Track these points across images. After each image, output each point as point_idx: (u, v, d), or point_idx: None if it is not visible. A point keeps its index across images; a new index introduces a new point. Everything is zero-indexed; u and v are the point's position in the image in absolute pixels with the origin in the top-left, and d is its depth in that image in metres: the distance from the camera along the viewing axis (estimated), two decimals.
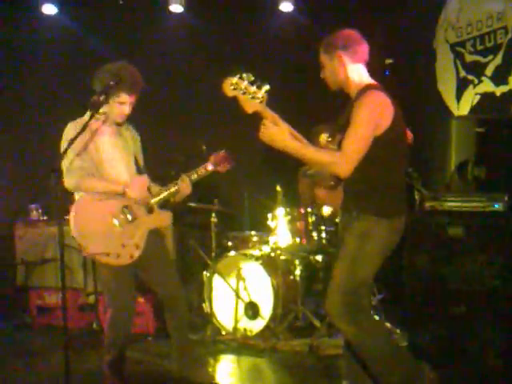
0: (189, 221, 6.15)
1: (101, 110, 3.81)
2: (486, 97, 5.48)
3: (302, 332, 5.12)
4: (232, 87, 3.13)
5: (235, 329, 5.12)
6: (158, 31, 6.83)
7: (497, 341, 4.00)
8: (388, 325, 4.64)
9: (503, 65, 5.29)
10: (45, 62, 6.89)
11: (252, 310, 5.09)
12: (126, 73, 3.80)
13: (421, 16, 5.96)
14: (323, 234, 5.29)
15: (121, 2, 6.88)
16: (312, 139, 3.39)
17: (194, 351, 4.30)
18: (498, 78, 5.34)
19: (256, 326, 5.07)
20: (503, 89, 5.28)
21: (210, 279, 5.31)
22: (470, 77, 5.64)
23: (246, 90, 3.12)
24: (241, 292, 5.15)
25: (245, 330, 5.09)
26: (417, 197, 4.30)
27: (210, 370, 4.63)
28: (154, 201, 3.90)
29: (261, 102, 3.13)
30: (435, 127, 5.05)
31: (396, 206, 3.22)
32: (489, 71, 5.43)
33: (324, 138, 5.82)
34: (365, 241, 3.13)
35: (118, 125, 3.97)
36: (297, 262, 5.34)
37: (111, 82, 3.64)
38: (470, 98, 5.60)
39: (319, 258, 5.50)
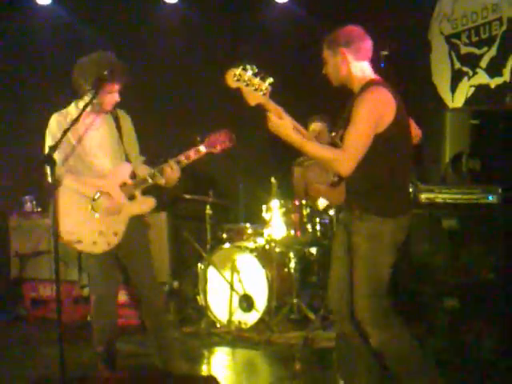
0: (183, 213, 6.14)
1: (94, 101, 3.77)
2: (481, 89, 5.47)
3: (296, 325, 5.13)
4: (235, 78, 3.11)
5: (230, 321, 5.13)
6: (152, 22, 6.80)
7: (491, 334, 4.01)
8: None
9: (498, 56, 5.28)
10: (39, 53, 6.86)
11: (246, 303, 5.09)
12: (113, 61, 3.81)
13: (416, 8, 5.94)
14: (318, 227, 5.29)
15: None
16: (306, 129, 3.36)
17: (175, 345, 4.26)
18: (493, 70, 5.33)
19: (250, 318, 5.07)
20: (498, 81, 5.27)
21: (204, 271, 5.31)
22: (465, 69, 5.63)
23: (249, 82, 3.10)
24: (235, 284, 5.15)
25: (239, 322, 5.10)
26: (411, 189, 4.29)
27: (205, 362, 4.64)
28: (135, 189, 3.87)
29: (264, 94, 3.11)
30: (430, 119, 5.04)
31: (401, 204, 3.18)
32: (483, 63, 5.42)
33: (314, 127, 5.86)
34: (374, 241, 3.08)
35: (107, 112, 3.97)
36: (291, 254, 5.35)
37: (105, 72, 3.65)
38: (465, 89, 5.59)
39: (314, 250, 5.50)
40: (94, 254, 3.84)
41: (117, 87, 3.88)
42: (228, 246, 5.34)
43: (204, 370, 4.51)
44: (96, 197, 3.84)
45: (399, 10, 5.86)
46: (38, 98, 6.63)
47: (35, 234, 5.89)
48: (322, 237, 5.28)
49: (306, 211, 5.27)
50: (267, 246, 5.40)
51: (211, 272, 5.27)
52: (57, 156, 3.65)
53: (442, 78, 5.83)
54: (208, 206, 5.54)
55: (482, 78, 5.46)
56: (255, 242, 5.45)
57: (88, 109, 3.79)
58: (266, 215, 5.36)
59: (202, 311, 5.31)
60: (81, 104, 3.87)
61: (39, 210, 6.11)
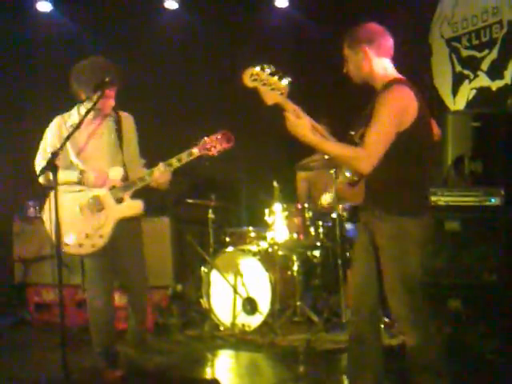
0: (186, 217, 6.15)
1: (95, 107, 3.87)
2: (482, 91, 5.49)
3: (299, 327, 5.13)
4: (252, 78, 3.10)
5: (233, 324, 5.13)
6: (152, 28, 6.81)
7: (494, 335, 4.02)
8: (386, 319, 4.64)
9: (499, 59, 5.31)
10: (40, 59, 6.89)
11: (250, 306, 5.10)
12: (109, 66, 3.89)
13: (416, 11, 5.97)
14: (321, 230, 5.31)
15: None
16: None
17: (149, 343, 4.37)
18: (494, 73, 5.35)
19: (254, 321, 5.08)
20: (499, 83, 5.30)
21: (207, 275, 5.32)
22: (466, 72, 5.65)
23: (266, 82, 3.08)
24: (239, 288, 5.15)
25: (243, 325, 5.10)
26: None
27: (208, 365, 4.65)
28: (123, 192, 3.94)
29: (282, 93, 3.09)
30: None
31: (421, 204, 3.15)
32: (484, 66, 5.45)
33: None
34: (400, 241, 3.05)
35: (106, 116, 4.05)
36: (294, 257, 5.36)
37: (107, 79, 3.75)
38: (466, 92, 5.61)
39: (317, 253, 5.51)
40: (81, 255, 3.95)
41: (112, 92, 3.96)
42: (231, 250, 5.35)
43: (208, 373, 4.52)
44: (84, 198, 3.93)
45: (399, 14, 5.89)
46: (39, 104, 6.66)
47: (38, 238, 5.88)
48: (325, 239, 5.30)
49: (308, 214, 5.29)
50: (270, 250, 5.41)
51: (214, 275, 5.28)
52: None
53: (443, 81, 5.85)
54: (210, 210, 5.55)
55: (483, 80, 5.49)
56: (258, 246, 5.45)
57: (90, 117, 3.92)
58: (268, 218, 5.38)
59: (206, 314, 5.31)
60: (82, 109, 3.92)
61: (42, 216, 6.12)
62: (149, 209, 5.54)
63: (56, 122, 4.04)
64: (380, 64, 3.20)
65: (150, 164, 4.12)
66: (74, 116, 4.03)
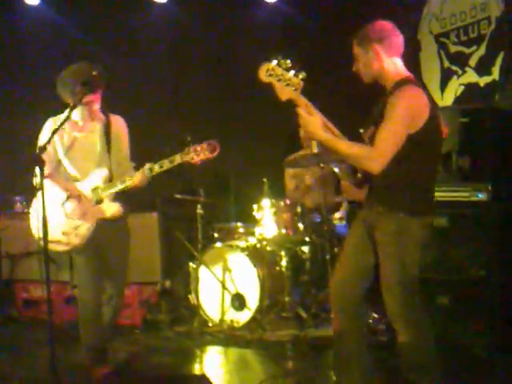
0: (175, 212, 6.14)
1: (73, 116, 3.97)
2: (470, 87, 5.50)
3: (288, 323, 5.14)
4: (268, 73, 3.07)
5: (222, 320, 5.14)
6: (141, 22, 6.77)
7: (482, 331, 4.04)
8: (375, 315, 4.66)
9: (487, 55, 5.32)
10: (27, 53, 6.84)
11: (238, 302, 5.10)
12: (89, 73, 3.88)
13: (405, 7, 5.96)
14: (309, 225, 5.31)
15: None
16: None
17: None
18: (482, 69, 5.36)
19: (243, 317, 5.08)
20: (487, 79, 5.31)
21: (196, 271, 5.32)
22: (454, 67, 5.66)
23: (281, 77, 3.06)
24: (227, 283, 5.16)
25: (231, 321, 5.11)
26: None
27: (197, 361, 4.65)
28: (103, 194, 3.99)
29: (296, 89, 3.07)
30: None
31: (427, 204, 3.15)
32: (472, 62, 5.46)
33: None
34: (401, 240, 3.05)
35: (94, 118, 4.10)
36: (283, 253, 5.36)
37: (94, 72, 3.82)
38: (454, 88, 5.62)
39: (305, 249, 5.51)
40: (57, 252, 3.99)
41: (96, 96, 4.01)
42: (219, 245, 5.35)
43: (196, 369, 4.52)
44: (66, 197, 3.97)
45: (388, 10, 5.88)
46: (26, 100, 6.62)
47: (26, 234, 5.83)
48: (314, 235, 5.30)
49: (297, 210, 5.29)
50: (259, 245, 5.42)
51: (203, 271, 5.28)
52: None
53: (431, 77, 5.85)
54: (199, 206, 5.54)
55: (471, 76, 5.50)
56: (247, 241, 5.45)
57: (77, 118, 4.02)
58: (257, 214, 5.39)
59: (194, 310, 5.31)
60: (74, 111, 3.96)
61: (30, 210, 6.09)
62: (137, 205, 5.57)
63: (48, 122, 4.10)
64: (391, 63, 3.17)
65: (139, 166, 4.12)
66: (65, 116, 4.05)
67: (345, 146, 3.08)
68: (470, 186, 4.24)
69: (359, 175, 3.28)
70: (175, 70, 6.79)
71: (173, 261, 5.98)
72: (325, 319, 5.02)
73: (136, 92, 6.51)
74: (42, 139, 4.03)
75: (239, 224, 5.75)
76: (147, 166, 3.94)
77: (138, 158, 4.25)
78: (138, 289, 5.42)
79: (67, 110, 4.01)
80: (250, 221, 5.56)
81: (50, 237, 3.76)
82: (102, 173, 4.04)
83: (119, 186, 3.98)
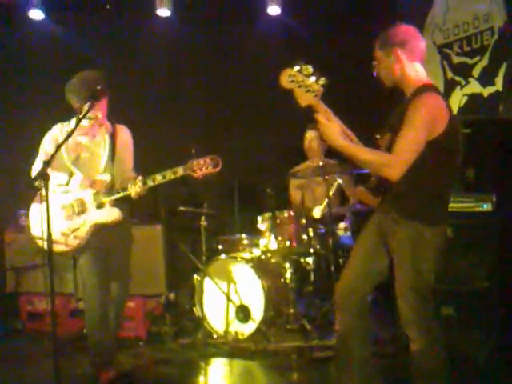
0: (179, 225, 6.14)
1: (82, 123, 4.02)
2: (474, 98, 5.50)
3: (293, 335, 5.10)
4: (290, 79, 3.08)
5: (226, 332, 5.12)
6: (144, 35, 6.81)
7: (487, 342, 4.02)
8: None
9: (490, 66, 5.33)
10: (32, 67, 6.88)
11: (243, 313, 5.08)
12: (90, 82, 4.01)
13: (408, 18, 5.98)
14: (313, 237, 5.30)
15: (107, 7, 6.87)
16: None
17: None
18: (485, 79, 5.37)
19: (247, 329, 5.06)
20: (490, 90, 5.31)
21: (200, 283, 5.31)
22: (457, 78, 5.67)
23: (302, 83, 3.06)
24: (232, 295, 5.14)
25: (236, 333, 5.09)
26: None
27: (202, 373, 4.64)
28: (105, 199, 4.05)
29: (316, 95, 3.07)
30: None
31: (442, 213, 3.14)
32: (476, 72, 5.47)
33: (307, 135, 5.90)
34: (416, 246, 3.04)
35: (99, 126, 4.21)
36: (287, 264, 5.35)
37: (98, 87, 3.89)
38: (458, 99, 5.63)
39: (310, 260, 5.49)
40: (56, 253, 3.95)
41: (101, 105, 4.11)
42: (224, 257, 5.34)
43: (201, 381, 4.51)
44: (68, 200, 4.04)
45: (391, 21, 5.90)
46: (32, 111, 6.65)
47: (30, 247, 5.86)
48: (318, 247, 5.29)
49: (301, 222, 5.29)
50: (263, 257, 5.41)
51: (207, 283, 5.27)
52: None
53: None
54: (203, 218, 5.54)
55: (474, 87, 5.50)
56: (251, 253, 5.44)
57: (85, 123, 4.10)
58: (261, 226, 5.38)
59: (199, 322, 5.29)
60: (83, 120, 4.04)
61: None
62: (141, 217, 5.58)
63: (55, 129, 4.21)
64: (412, 68, 3.16)
65: (140, 175, 4.15)
66: (71, 125, 4.16)
67: (363, 152, 3.07)
68: (474, 196, 4.23)
69: (373, 179, 3.27)
70: (178, 82, 6.81)
71: (177, 273, 5.98)
72: (329, 331, 5.00)
73: (138, 102, 6.54)
74: (47, 147, 4.14)
75: (243, 236, 5.74)
76: (150, 176, 3.98)
77: (140, 166, 4.28)
78: (142, 301, 5.41)
79: (73, 121, 4.09)
80: (255, 232, 5.55)
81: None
82: (105, 178, 4.11)
83: (121, 193, 4.03)
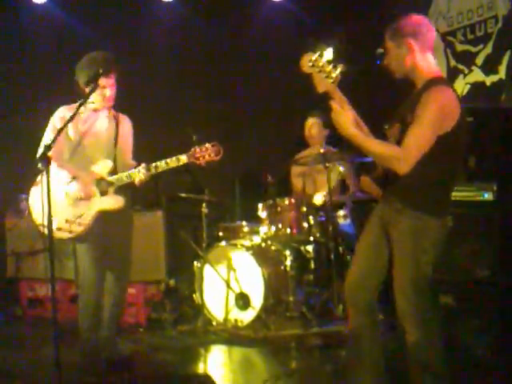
0: (180, 211, 6.14)
1: (89, 100, 4.05)
2: (477, 86, 5.48)
3: (292, 322, 5.11)
4: (310, 64, 3.03)
5: (226, 319, 5.13)
6: (147, 20, 6.78)
7: (486, 331, 4.02)
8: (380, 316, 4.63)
9: (493, 54, 5.30)
10: (34, 51, 6.85)
11: (243, 301, 5.08)
12: (98, 59, 4.05)
13: (411, 6, 5.94)
14: (314, 224, 5.29)
15: None
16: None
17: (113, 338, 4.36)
18: (488, 68, 5.34)
19: (247, 316, 5.07)
20: (493, 78, 5.28)
21: (200, 270, 5.31)
22: (461, 66, 5.64)
23: (322, 68, 3.02)
24: (231, 282, 5.15)
25: (236, 320, 5.09)
26: None
27: (201, 360, 4.65)
28: (108, 186, 4.07)
29: (333, 82, 3.03)
30: None
31: (446, 205, 3.12)
32: (479, 61, 5.43)
33: (307, 121, 5.89)
34: (419, 238, 3.02)
35: (107, 110, 4.23)
36: (287, 252, 5.34)
37: (100, 70, 3.91)
38: (460, 87, 5.60)
39: (310, 248, 5.49)
40: (59, 239, 4.01)
41: (109, 81, 4.11)
42: (224, 244, 5.34)
43: (200, 368, 4.52)
44: (70, 183, 4.04)
45: (394, 8, 5.87)
46: (33, 98, 6.62)
47: (31, 232, 5.87)
48: (319, 235, 5.29)
49: (302, 209, 5.28)
50: (263, 244, 5.40)
51: (207, 270, 5.27)
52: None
53: None
54: (204, 205, 5.53)
55: (477, 75, 5.47)
56: (251, 240, 5.44)
57: (91, 106, 4.14)
58: (262, 213, 5.37)
59: (199, 309, 5.30)
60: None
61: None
62: (143, 203, 5.58)
63: (61, 111, 4.19)
64: (424, 59, 3.11)
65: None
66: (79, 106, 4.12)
67: (373, 144, 3.05)
68: (476, 185, 4.22)
69: (378, 169, 3.25)
70: (180, 68, 6.79)
71: (177, 259, 5.98)
72: (329, 319, 5.01)
73: (140, 91, 6.51)
74: (52, 128, 4.11)
75: (244, 223, 5.73)
76: (153, 163, 4.00)
77: (141, 154, 4.28)
78: (142, 287, 5.42)
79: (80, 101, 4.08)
80: (255, 220, 5.54)
81: (53, 224, 3.83)
82: (108, 164, 4.11)
83: (124, 180, 4.04)
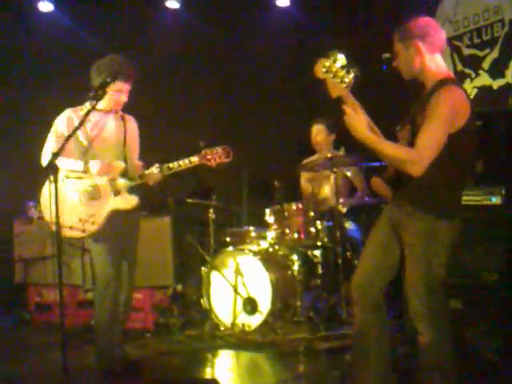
0: (187, 217, 6.15)
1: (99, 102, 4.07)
2: (484, 90, 5.47)
3: (300, 327, 5.10)
4: (324, 69, 3.04)
5: (233, 324, 5.12)
6: (153, 27, 6.83)
7: (493, 335, 4.00)
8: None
9: (500, 58, 5.29)
10: (42, 59, 6.89)
11: (250, 306, 5.08)
12: (120, 63, 4.08)
13: (417, 10, 5.95)
14: (321, 229, 5.29)
15: None
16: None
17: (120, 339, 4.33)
18: (495, 72, 5.33)
19: (254, 321, 5.06)
20: (500, 82, 5.28)
21: (208, 275, 5.31)
22: (467, 70, 5.64)
23: (335, 74, 3.03)
24: (239, 287, 5.14)
25: (243, 325, 5.09)
26: None
27: (209, 365, 4.65)
28: (121, 185, 4.10)
29: (346, 86, 3.05)
30: None
31: (456, 207, 3.12)
32: (486, 64, 5.43)
33: (312, 128, 5.89)
34: (430, 241, 3.03)
35: (115, 112, 4.26)
36: (295, 257, 5.34)
37: (108, 79, 3.93)
38: (468, 91, 5.58)
39: (317, 252, 5.48)
40: (71, 238, 4.12)
41: (125, 87, 4.16)
42: (231, 249, 5.34)
43: (208, 373, 4.51)
44: (84, 186, 4.07)
45: (400, 13, 5.88)
46: (40, 105, 6.66)
47: (39, 238, 5.90)
48: (326, 239, 5.28)
49: (309, 214, 5.27)
50: (271, 249, 5.40)
51: (215, 275, 5.27)
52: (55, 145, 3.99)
53: None
54: (211, 210, 5.53)
55: (484, 79, 5.47)
56: (259, 245, 5.44)
57: (101, 106, 4.13)
58: (269, 218, 5.37)
59: (206, 314, 5.30)
60: (99, 103, 4.08)
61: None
62: (150, 208, 5.59)
63: (66, 112, 4.20)
64: (432, 60, 3.13)
65: (147, 166, 4.23)
66: (87, 107, 4.14)
67: (387, 147, 3.06)
68: (483, 189, 4.21)
69: (390, 170, 3.25)
70: (187, 74, 6.82)
71: (185, 265, 5.99)
72: (336, 323, 5.00)
73: (148, 96, 6.53)
74: (61, 130, 4.12)
75: (251, 228, 5.73)
76: (166, 164, 4.07)
77: (149, 156, 4.31)
78: (149, 292, 5.43)
79: (88, 102, 4.11)
80: (263, 225, 5.54)
81: (65, 222, 3.86)
82: (121, 164, 4.15)
83: (138, 181, 4.10)
